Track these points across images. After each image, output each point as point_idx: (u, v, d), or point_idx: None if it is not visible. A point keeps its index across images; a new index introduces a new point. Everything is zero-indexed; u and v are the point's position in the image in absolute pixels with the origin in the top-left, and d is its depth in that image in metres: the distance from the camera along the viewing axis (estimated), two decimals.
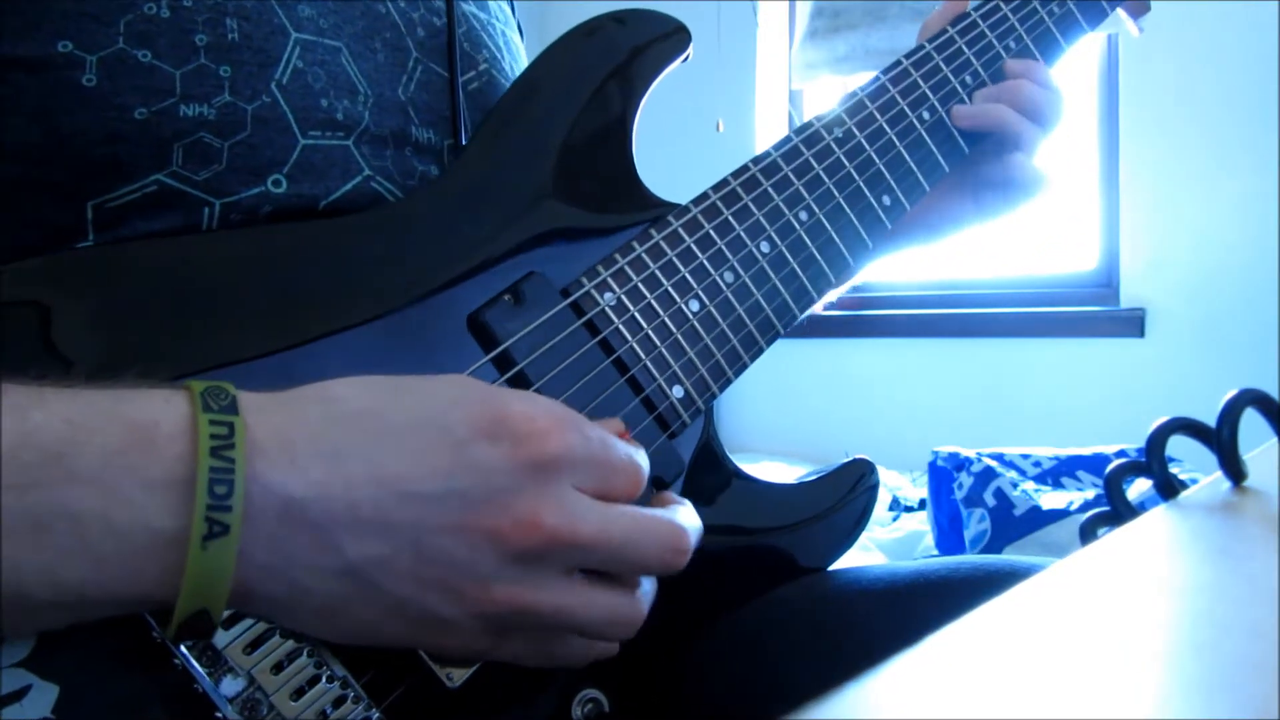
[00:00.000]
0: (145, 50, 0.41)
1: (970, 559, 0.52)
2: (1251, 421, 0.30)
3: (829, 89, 2.45)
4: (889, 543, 1.57)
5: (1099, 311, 2.15)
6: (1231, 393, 0.30)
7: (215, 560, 0.29)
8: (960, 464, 1.43)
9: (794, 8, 2.53)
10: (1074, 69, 2.25)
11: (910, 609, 0.50)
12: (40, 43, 0.39)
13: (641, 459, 0.37)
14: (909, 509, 1.77)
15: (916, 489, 1.85)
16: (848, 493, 0.55)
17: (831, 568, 0.56)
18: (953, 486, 1.43)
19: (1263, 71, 1.96)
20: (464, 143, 0.52)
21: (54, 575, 0.28)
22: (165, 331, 0.38)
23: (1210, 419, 0.30)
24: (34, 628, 0.31)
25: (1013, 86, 0.60)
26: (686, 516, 0.37)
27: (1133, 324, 2.10)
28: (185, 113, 0.41)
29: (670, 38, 0.54)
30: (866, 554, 1.49)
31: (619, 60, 0.52)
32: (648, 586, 0.37)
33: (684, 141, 1.99)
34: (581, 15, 0.53)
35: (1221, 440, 0.30)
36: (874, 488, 0.56)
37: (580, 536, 0.33)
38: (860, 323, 2.31)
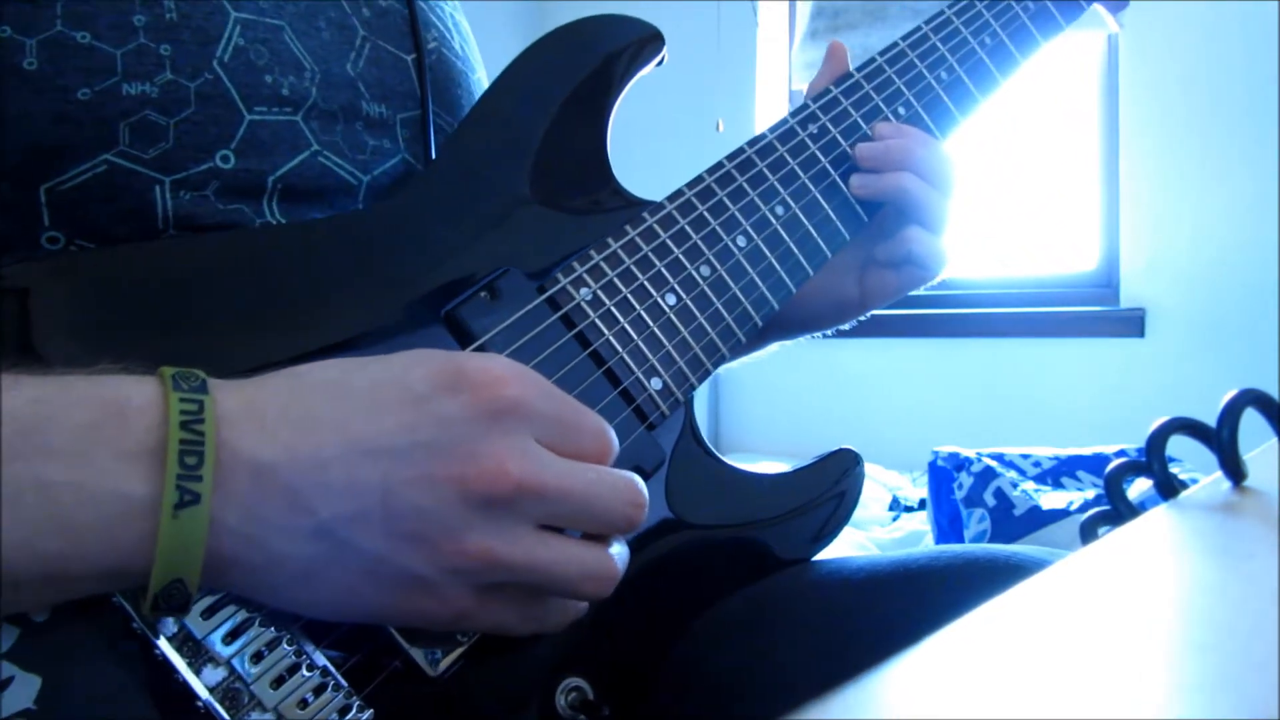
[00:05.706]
0: (84, 31, 0.41)
1: (951, 548, 0.51)
2: (1251, 421, 0.30)
3: None
4: (889, 543, 1.57)
5: (1099, 311, 2.15)
6: (1231, 393, 0.30)
7: (187, 528, 0.30)
8: (960, 464, 1.43)
9: (794, 8, 2.53)
10: (1074, 68, 2.25)
11: (892, 598, 0.49)
12: None
13: (609, 430, 0.37)
14: (909, 509, 1.77)
15: (916, 489, 1.85)
16: (833, 484, 0.54)
17: (817, 558, 0.56)
18: (953, 486, 1.43)
19: (1262, 71, 1.96)
20: (426, 113, 0.53)
21: (34, 548, 0.29)
22: (144, 337, 0.38)
23: (1210, 419, 0.30)
24: (22, 606, 0.32)
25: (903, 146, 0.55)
26: (637, 477, 0.38)
27: (1133, 324, 2.10)
28: (128, 91, 0.42)
29: (645, 44, 0.55)
30: (865, 554, 1.49)
31: (593, 66, 0.53)
32: (619, 546, 0.37)
33: (684, 141, 1.99)
34: (578, 14, 0.54)
35: (1221, 440, 0.30)
36: (859, 479, 0.55)
37: (546, 485, 0.33)
38: (860, 322, 2.31)
